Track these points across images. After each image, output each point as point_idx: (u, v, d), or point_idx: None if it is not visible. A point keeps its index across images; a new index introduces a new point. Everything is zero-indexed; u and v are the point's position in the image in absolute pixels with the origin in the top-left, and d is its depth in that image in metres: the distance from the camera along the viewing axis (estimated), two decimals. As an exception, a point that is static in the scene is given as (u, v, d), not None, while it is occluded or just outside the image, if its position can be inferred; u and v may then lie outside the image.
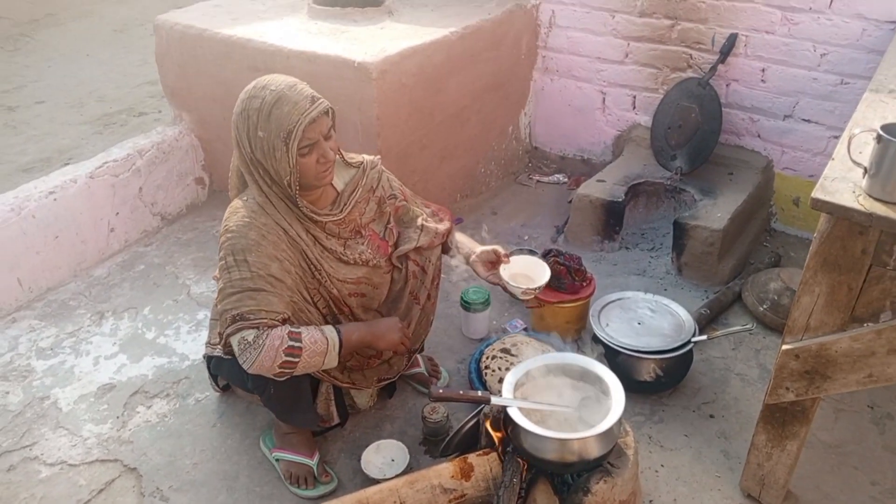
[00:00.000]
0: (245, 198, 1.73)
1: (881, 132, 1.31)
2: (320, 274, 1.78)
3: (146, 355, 2.40)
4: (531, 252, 2.66)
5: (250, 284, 1.64)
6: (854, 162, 1.38)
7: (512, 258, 1.92)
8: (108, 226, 2.93)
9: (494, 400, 1.68)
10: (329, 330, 1.70)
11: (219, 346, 1.85)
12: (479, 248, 1.96)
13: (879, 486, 1.89)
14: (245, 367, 1.63)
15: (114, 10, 5.83)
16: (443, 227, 2.02)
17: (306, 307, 1.78)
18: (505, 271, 1.89)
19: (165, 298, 2.69)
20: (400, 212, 1.99)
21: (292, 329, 1.64)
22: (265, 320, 1.62)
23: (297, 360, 1.63)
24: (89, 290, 2.74)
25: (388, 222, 1.95)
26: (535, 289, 1.87)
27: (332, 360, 1.69)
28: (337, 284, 1.82)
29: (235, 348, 1.63)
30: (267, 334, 1.61)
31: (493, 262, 1.93)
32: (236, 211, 1.71)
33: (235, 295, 1.64)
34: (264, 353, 1.59)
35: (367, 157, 1.92)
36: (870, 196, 1.34)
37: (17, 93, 4.28)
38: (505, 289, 1.91)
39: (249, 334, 1.61)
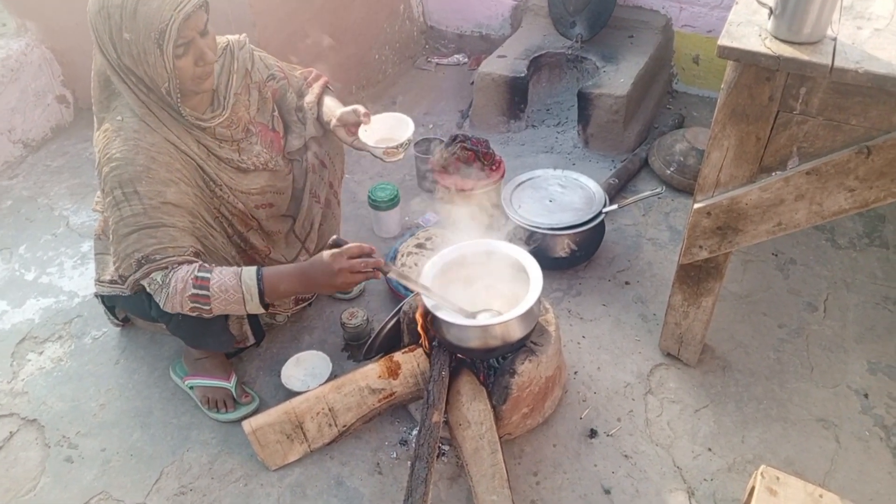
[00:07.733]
0: (120, 117, 1.49)
1: (784, -33, 1.24)
2: (221, 189, 1.61)
3: (29, 298, 2.18)
4: (439, 141, 2.54)
5: (145, 220, 1.46)
6: (759, 2, 1.31)
7: (374, 118, 1.73)
8: (-41, 160, 2.60)
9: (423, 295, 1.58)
10: (248, 276, 1.48)
11: (108, 285, 1.69)
12: (340, 111, 1.75)
13: (786, 327, 1.99)
14: (162, 307, 1.50)
15: None
16: (311, 97, 1.81)
17: (209, 232, 1.61)
18: (366, 132, 1.72)
19: (42, 234, 2.43)
20: (277, 95, 1.79)
21: (199, 274, 1.46)
22: (172, 258, 1.47)
23: (206, 306, 1.48)
24: (-50, 234, 2.44)
25: (273, 109, 1.77)
26: (396, 147, 1.71)
27: (255, 308, 1.51)
28: (241, 197, 1.67)
29: (149, 290, 1.50)
30: (174, 274, 1.46)
31: (356, 123, 1.73)
32: (116, 133, 1.47)
33: (132, 235, 1.46)
34: (171, 296, 1.46)
35: (231, 38, 1.69)
36: (776, 38, 1.28)
37: None
38: (371, 152, 1.73)
39: (158, 276, 1.47)
